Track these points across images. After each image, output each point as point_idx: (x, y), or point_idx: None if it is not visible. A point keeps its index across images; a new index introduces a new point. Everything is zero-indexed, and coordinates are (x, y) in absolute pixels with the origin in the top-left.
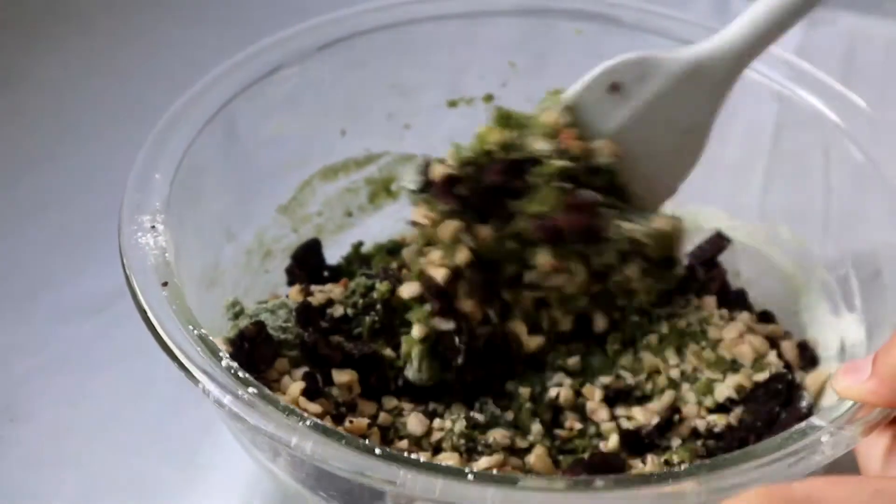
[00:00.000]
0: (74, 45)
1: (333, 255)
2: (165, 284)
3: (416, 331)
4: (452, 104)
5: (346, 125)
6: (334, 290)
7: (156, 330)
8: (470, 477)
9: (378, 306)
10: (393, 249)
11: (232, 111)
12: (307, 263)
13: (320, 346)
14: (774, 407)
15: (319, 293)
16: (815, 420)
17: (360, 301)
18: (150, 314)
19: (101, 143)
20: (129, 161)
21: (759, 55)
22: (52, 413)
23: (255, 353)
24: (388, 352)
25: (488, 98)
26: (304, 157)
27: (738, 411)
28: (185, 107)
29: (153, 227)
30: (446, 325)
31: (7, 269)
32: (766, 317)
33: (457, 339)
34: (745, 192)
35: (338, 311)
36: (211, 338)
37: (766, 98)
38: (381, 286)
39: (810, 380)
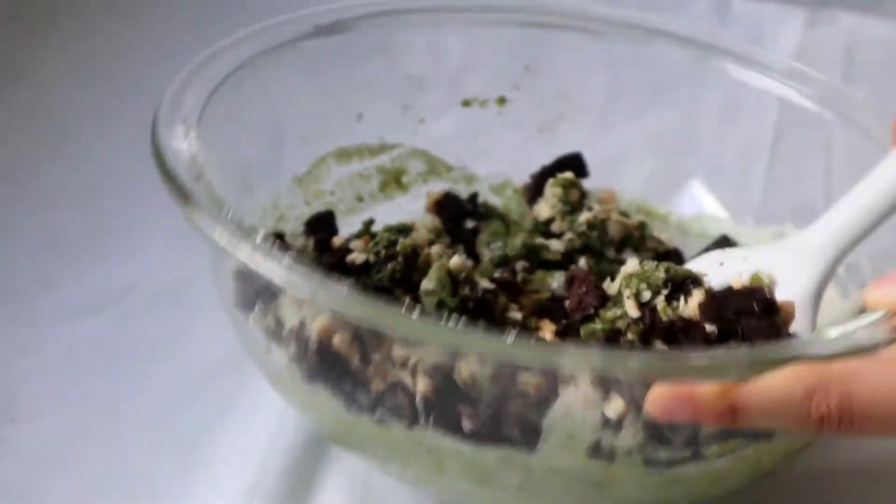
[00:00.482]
0: (74, 45)
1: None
2: (199, 178)
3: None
4: (466, 104)
5: (364, 109)
6: (355, 243)
7: (192, 210)
8: (509, 340)
9: (400, 258)
10: (402, 230)
11: (253, 70)
12: (320, 232)
13: (335, 271)
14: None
15: (338, 240)
16: (848, 325)
17: (384, 251)
18: (188, 195)
19: (101, 142)
20: (129, 161)
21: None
22: (52, 413)
23: None
24: (406, 301)
25: (501, 101)
26: (320, 132)
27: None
28: (213, 55)
29: (186, 135)
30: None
31: (7, 269)
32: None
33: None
34: (748, 194)
35: (359, 258)
36: None
37: (766, 99)
38: (405, 241)
39: None
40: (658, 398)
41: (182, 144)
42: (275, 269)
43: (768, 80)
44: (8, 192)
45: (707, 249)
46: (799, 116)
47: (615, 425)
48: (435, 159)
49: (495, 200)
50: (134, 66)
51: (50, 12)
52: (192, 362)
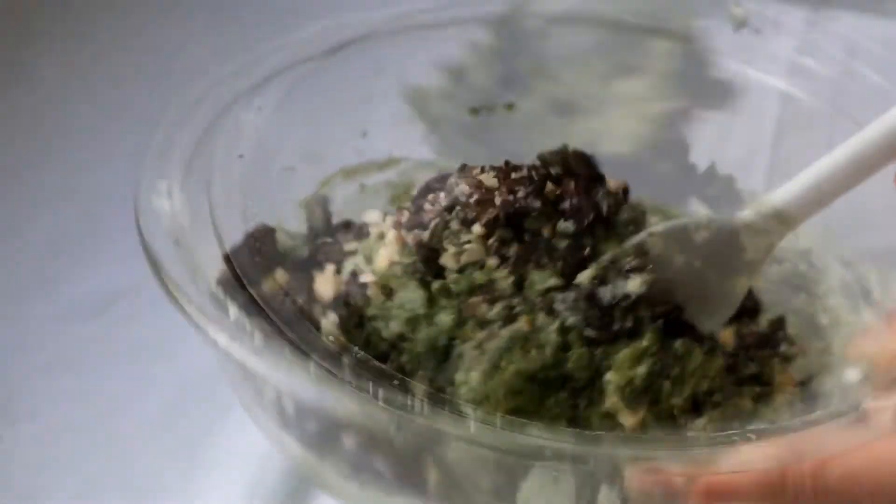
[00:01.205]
0: (74, 45)
1: None
2: (177, 242)
3: None
4: (473, 112)
5: (368, 126)
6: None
7: (166, 285)
8: (472, 428)
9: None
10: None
11: (254, 97)
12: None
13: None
14: None
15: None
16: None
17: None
18: (161, 269)
19: (101, 143)
20: (130, 161)
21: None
22: (52, 413)
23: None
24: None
25: (509, 106)
26: (324, 153)
27: None
28: (210, 88)
29: (169, 193)
30: None
31: (7, 269)
32: (778, 323)
33: None
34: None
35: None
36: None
37: (767, 95)
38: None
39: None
40: (635, 481)
41: (163, 202)
42: (243, 354)
43: (769, 76)
44: (8, 192)
45: None
46: (801, 113)
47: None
48: (445, 168)
49: None
50: (134, 67)
51: (50, 12)
52: (193, 363)
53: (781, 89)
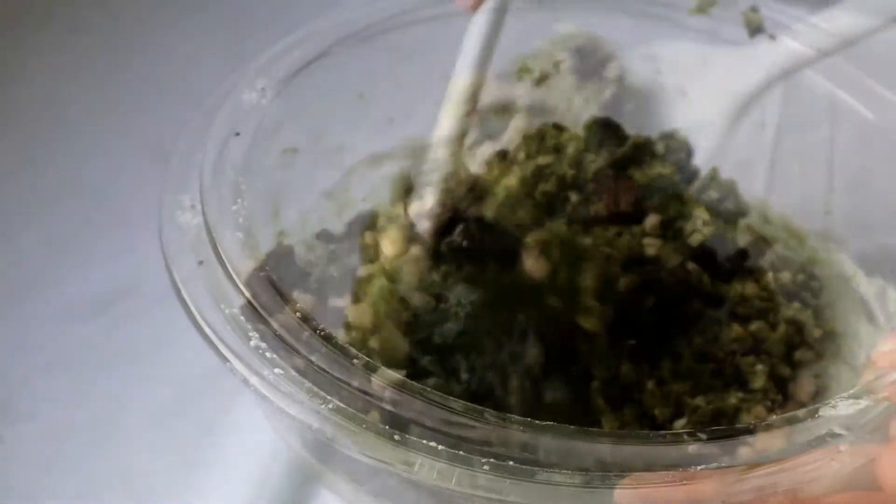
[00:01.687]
0: (72, 45)
1: None
2: (201, 263)
3: None
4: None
5: (395, 113)
6: None
7: (189, 308)
8: (486, 467)
9: None
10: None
11: (279, 93)
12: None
13: None
14: None
15: None
16: (835, 428)
17: None
18: (183, 292)
19: (100, 142)
20: (129, 160)
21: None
22: (52, 413)
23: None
24: None
25: (543, 77)
26: (350, 142)
27: None
28: (234, 85)
29: (192, 206)
30: None
31: (7, 269)
32: (797, 324)
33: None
34: (752, 186)
35: None
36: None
37: (767, 96)
38: None
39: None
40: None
41: (188, 218)
42: (261, 387)
43: (773, 69)
44: (7, 192)
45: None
46: (800, 115)
47: None
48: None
49: None
50: (133, 67)
51: (49, 12)
52: (193, 363)
53: (781, 91)
